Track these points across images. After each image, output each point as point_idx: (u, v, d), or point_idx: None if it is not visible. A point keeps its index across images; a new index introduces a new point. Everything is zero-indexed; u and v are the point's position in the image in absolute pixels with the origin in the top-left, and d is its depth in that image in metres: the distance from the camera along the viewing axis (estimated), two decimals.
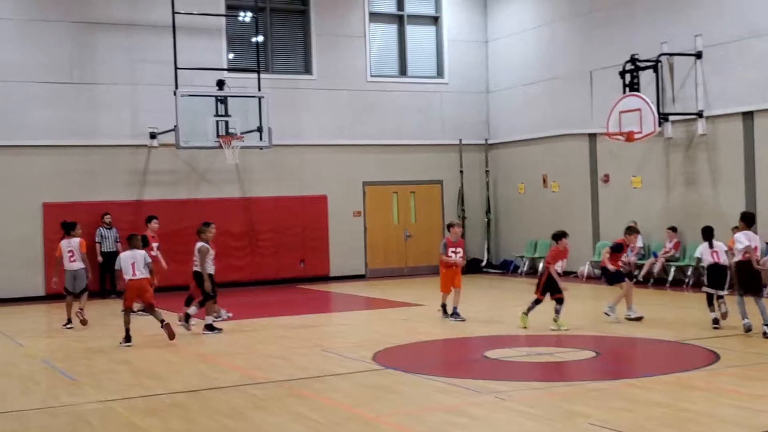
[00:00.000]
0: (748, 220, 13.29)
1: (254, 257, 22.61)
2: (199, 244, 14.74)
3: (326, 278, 23.30)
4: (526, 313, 14.20)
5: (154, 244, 16.97)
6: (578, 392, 9.52)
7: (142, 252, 13.87)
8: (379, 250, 24.26)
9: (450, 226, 15.66)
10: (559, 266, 14.26)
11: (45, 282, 20.63)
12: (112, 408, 9.40)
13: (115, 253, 20.38)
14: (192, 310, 14.83)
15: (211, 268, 14.82)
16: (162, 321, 13.68)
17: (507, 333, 13.88)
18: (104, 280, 20.87)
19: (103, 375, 11.36)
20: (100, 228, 20.73)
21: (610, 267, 15.05)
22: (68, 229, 16.21)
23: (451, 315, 15.29)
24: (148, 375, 11.23)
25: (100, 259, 20.53)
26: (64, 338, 14.94)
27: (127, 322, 13.77)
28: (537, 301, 14.22)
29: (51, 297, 20.48)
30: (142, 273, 13.63)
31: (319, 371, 11.08)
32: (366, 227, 24.04)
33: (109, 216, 20.84)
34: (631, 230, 15.46)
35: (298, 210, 22.96)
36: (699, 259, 14.18)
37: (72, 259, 15.88)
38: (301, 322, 15.99)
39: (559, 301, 14.00)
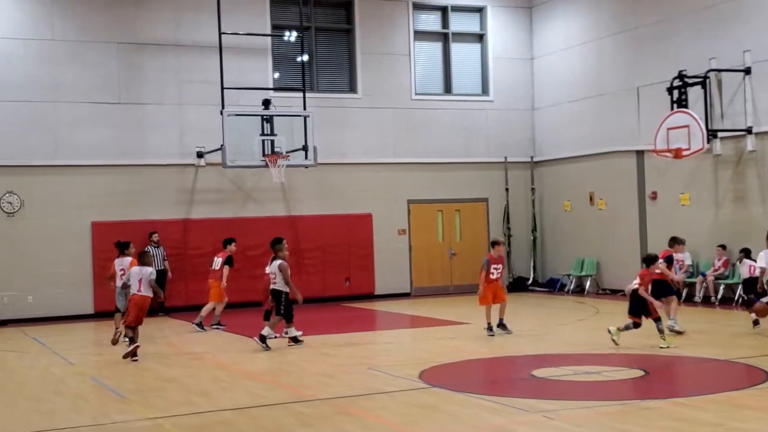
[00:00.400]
0: None
1: (300, 275, 22.62)
2: (278, 262, 14.86)
3: (371, 296, 23.31)
4: (621, 329, 13.93)
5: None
6: (627, 411, 9.40)
7: (150, 269, 14.15)
8: (424, 269, 24.22)
9: (494, 243, 15.83)
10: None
11: (94, 300, 20.92)
12: (161, 425, 9.46)
13: (164, 272, 20.68)
14: (266, 331, 14.89)
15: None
16: (131, 339, 13.96)
17: (554, 351, 13.76)
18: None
19: (151, 392, 11.45)
20: (148, 246, 20.94)
21: (671, 276, 15.07)
22: (122, 248, 16.60)
23: (498, 326, 15.47)
24: (196, 392, 11.30)
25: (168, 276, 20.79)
26: (112, 355, 15.09)
27: (128, 335, 14.16)
28: (636, 325, 13.87)
29: (100, 315, 20.76)
30: (146, 291, 13.98)
31: (366, 389, 11.07)
32: (411, 245, 24.03)
33: (156, 234, 21.07)
34: (676, 240, 15.47)
35: (343, 228, 23.04)
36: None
37: (123, 277, 16.07)
38: (347, 340, 16.00)
39: (657, 320, 13.68)
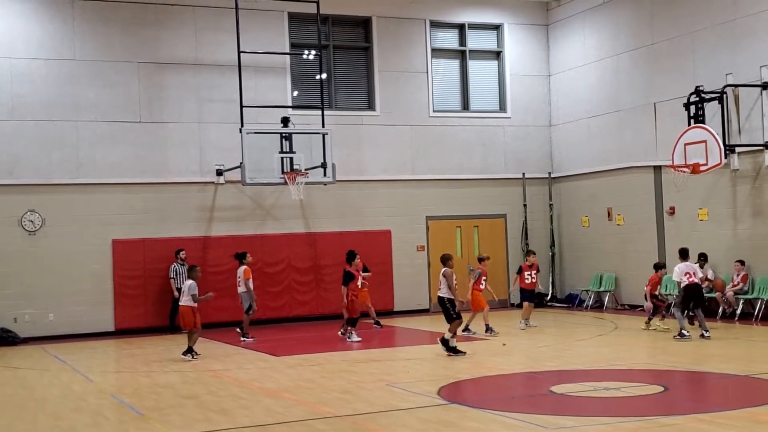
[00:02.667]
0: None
1: (319, 292, 22.77)
2: (444, 269, 15.59)
3: (390, 312, 23.32)
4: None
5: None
6: (647, 428, 9.38)
7: (190, 283, 16.12)
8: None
9: (481, 259, 19.34)
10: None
11: (114, 318, 21.07)
12: None
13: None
14: (448, 335, 15.45)
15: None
16: (189, 348, 15.96)
17: (573, 367, 13.75)
18: (175, 315, 21.08)
19: (171, 410, 11.51)
20: (175, 264, 21.08)
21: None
22: (241, 258, 18.91)
23: (487, 330, 18.30)
24: (216, 410, 11.35)
25: (176, 294, 20.83)
26: (132, 373, 15.20)
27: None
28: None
29: (120, 332, 20.90)
30: (186, 301, 16.05)
31: (385, 406, 11.09)
32: (430, 261, 24.04)
33: (183, 252, 21.17)
34: (682, 253, 17.30)
35: (362, 245, 23.03)
36: None
37: (239, 284, 18.72)
38: (366, 356, 16.03)
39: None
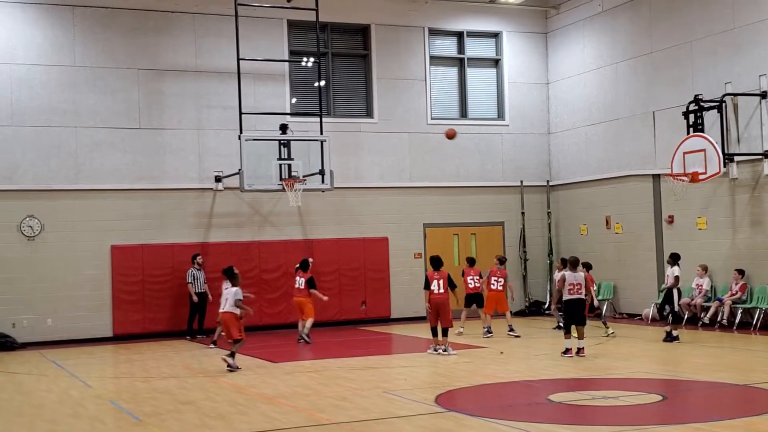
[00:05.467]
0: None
1: (316, 299, 22.70)
2: (581, 274, 16.22)
3: (388, 320, 23.32)
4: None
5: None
6: None
7: (235, 289, 15.59)
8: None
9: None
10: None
11: (113, 323, 21.05)
12: None
13: (205, 294, 20.80)
14: (583, 343, 15.85)
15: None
16: (230, 354, 15.43)
17: (571, 376, 13.75)
18: (193, 319, 21.12)
19: (168, 415, 11.51)
20: (192, 269, 21.06)
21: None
22: (304, 267, 19.45)
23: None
24: (213, 416, 11.35)
25: (195, 299, 20.86)
26: (130, 379, 15.19)
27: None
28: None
29: (119, 338, 20.89)
30: (230, 308, 15.58)
31: (382, 413, 11.09)
32: (427, 269, 24.00)
33: (200, 257, 21.16)
34: (673, 256, 17.67)
35: (359, 252, 23.11)
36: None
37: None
38: (363, 363, 16.02)
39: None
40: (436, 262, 16.95)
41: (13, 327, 20.24)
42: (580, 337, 15.92)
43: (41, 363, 17.60)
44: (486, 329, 19.36)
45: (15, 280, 20.44)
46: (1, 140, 20.61)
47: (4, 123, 20.64)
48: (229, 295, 15.61)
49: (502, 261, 19.99)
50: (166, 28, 22.00)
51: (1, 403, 12.76)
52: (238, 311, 15.54)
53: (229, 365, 15.33)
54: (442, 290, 16.63)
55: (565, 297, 15.99)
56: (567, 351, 15.75)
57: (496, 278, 19.47)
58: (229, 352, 15.56)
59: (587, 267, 18.54)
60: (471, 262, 20.31)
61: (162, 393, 13.33)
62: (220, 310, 15.87)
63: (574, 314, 16.00)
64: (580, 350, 15.72)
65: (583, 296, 16.01)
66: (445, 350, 16.53)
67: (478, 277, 19.73)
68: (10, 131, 20.68)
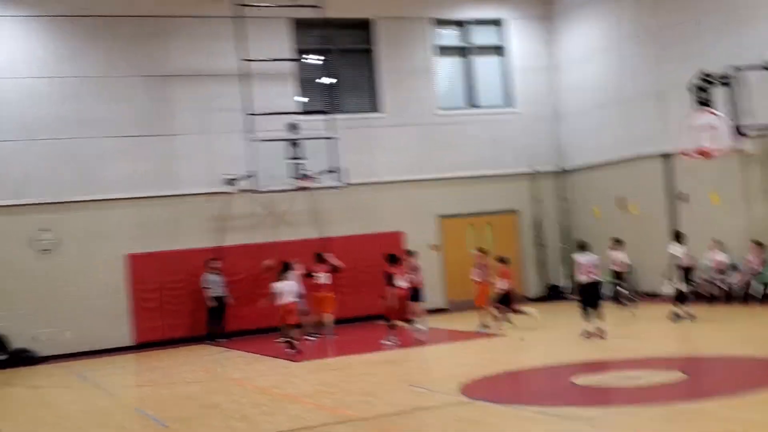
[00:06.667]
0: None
1: (335, 295, 22.68)
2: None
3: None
4: None
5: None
6: (670, 415, 9.36)
7: (290, 283, 17.36)
8: (458, 283, 24.14)
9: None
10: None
11: (132, 331, 21.10)
12: None
13: (223, 297, 20.88)
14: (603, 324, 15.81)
15: None
16: (289, 338, 16.96)
17: (593, 358, 13.71)
18: (213, 324, 21.17)
19: (194, 420, 11.53)
20: (207, 273, 21.11)
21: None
22: (394, 261, 18.72)
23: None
24: (238, 418, 11.36)
25: (210, 303, 20.94)
26: (154, 386, 15.24)
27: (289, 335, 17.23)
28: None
29: (139, 346, 20.94)
30: (292, 298, 17.25)
31: (408, 406, 11.08)
32: (444, 260, 24.00)
33: (216, 261, 21.21)
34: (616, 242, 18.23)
35: (375, 247, 22.98)
36: None
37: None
38: (386, 357, 16.03)
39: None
40: (393, 258, 18.13)
41: (32, 340, 20.28)
42: (599, 318, 15.85)
43: (64, 375, 17.66)
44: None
45: (32, 294, 20.49)
46: (11, 154, 20.67)
47: (13, 137, 20.69)
48: (287, 287, 17.27)
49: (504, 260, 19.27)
50: (169, 33, 22.01)
51: (26, 417, 12.80)
52: (299, 300, 17.40)
53: (292, 345, 16.94)
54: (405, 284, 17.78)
55: (580, 280, 16.07)
56: (586, 333, 15.70)
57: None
58: (287, 339, 17.13)
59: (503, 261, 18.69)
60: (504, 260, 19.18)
61: (186, 398, 13.37)
62: (281, 302, 17.17)
63: (588, 297, 15.98)
64: (600, 332, 15.65)
65: (597, 279, 15.99)
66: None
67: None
68: (20, 145, 20.73)
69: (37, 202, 20.74)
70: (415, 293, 18.73)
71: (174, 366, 17.59)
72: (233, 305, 21.28)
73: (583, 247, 16.40)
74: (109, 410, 13.04)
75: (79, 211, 21.06)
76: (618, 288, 20.36)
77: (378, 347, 17.45)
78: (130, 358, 19.98)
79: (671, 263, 18.00)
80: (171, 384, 15.07)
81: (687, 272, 17.98)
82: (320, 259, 19.93)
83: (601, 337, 15.51)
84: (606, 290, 18.50)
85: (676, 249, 17.93)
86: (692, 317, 17.25)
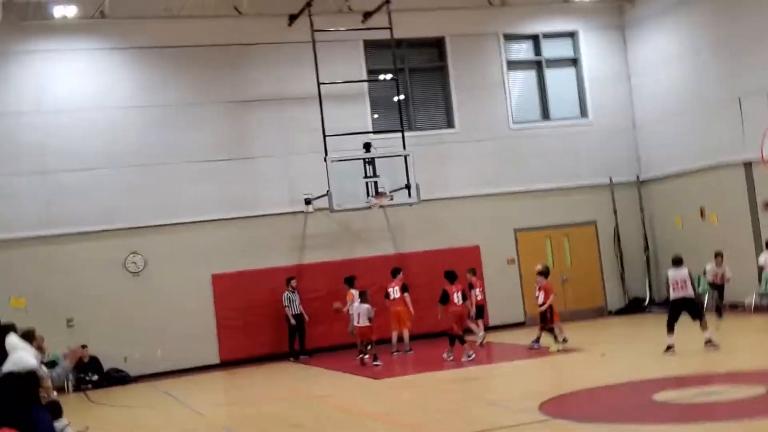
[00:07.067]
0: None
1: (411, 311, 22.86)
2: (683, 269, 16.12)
3: (486, 328, 23.31)
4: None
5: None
6: (752, 430, 9.32)
7: (366, 306, 18.30)
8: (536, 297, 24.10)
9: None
10: None
11: (218, 350, 21.61)
12: None
13: (301, 315, 21.32)
14: (708, 334, 15.67)
15: None
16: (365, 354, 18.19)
17: (675, 373, 13.64)
18: (293, 341, 21.64)
19: None
20: (287, 292, 21.58)
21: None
22: (394, 275, 20.20)
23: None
24: None
25: (293, 321, 21.41)
26: (240, 405, 15.65)
27: (362, 352, 18.61)
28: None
29: (225, 364, 21.45)
30: (364, 322, 18.23)
31: (488, 425, 11.19)
32: (521, 273, 24.02)
33: (294, 280, 21.68)
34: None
35: (451, 262, 23.06)
36: None
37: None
38: (465, 374, 16.14)
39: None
40: (451, 276, 18.60)
41: (125, 361, 20.95)
42: (704, 329, 15.67)
43: (155, 395, 18.19)
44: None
45: (123, 316, 21.17)
46: (100, 181, 21.41)
47: (101, 165, 21.45)
48: (362, 310, 18.34)
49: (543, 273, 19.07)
50: (247, 61, 22.56)
51: None
52: (370, 323, 18.29)
53: (375, 362, 18.03)
54: (461, 302, 18.29)
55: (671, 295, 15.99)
56: (668, 348, 15.59)
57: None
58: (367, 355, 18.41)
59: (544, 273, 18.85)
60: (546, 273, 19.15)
61: (271, 416, 13.71)
62: (356, 324, 18.49)
63: (677, 313, 15.79)
64: (712, 344, 15.54)
65: (688, 294, 15.80)
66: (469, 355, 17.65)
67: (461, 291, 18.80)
68: (108, 173, 21.48)
69: (125, 227, 21.45)
70: (478, 310, 19.92)
71: (258, 384, 18.01)
72: (311, 322, 21.64)
73: (677, 261, 16.16)
74: (198, 430, 13.46)
75: (165, 235, 21.71)
76: (717, 301, 19.88)
77: (458, 365, 17.56)
78: (216, 377, 20.49)
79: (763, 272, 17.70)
80: (256, 402, 15.45)
81: None
82: (395, 274, 20.25)
83: (715, 347, 15.32)
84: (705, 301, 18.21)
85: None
86: None
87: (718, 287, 19.87)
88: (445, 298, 18.29)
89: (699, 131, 23.06)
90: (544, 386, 13.64)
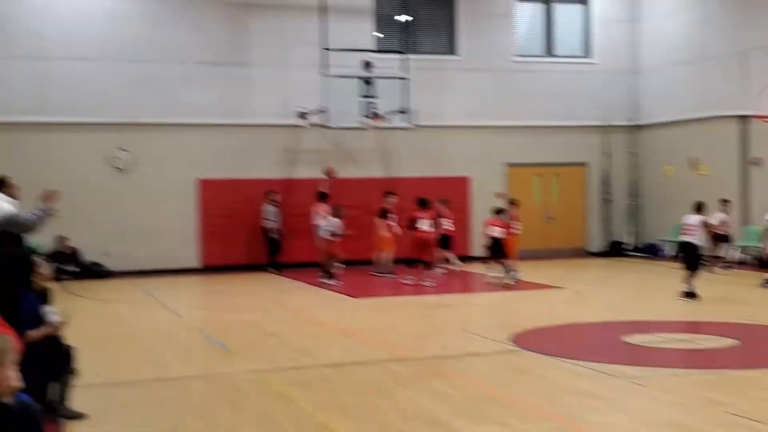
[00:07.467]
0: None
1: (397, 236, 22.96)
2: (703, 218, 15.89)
3: (469, 258, 23.48)
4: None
5: (391, 216, 19.99)
6: (718, 380, 9.50)
7: (337, 221, 18.42)
8: (521, 232, 24.22)
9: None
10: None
11: (200, 254, 21.70)
12: (264, 378, 9.97)
13: (276, 230, 21.38)
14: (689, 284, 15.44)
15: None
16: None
17: (647, 318, 13.82)
18: (271, 254, 21.71)
19: (254, 346, 12.00)
20: (266, 205, 21.58)
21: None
22: (423, 205, 19.23)
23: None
24: (297, 348, 11.78)
25: (274, 234, 21.48)
26: (217, 311, 15.79)
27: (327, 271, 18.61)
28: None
29: (206, 270, 21.56)
30: (328, 236, 18.48)
31: (460, 351, 11.38)
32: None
33: (276, 194, 21.64)
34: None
35: (440, 191, 23.09)
36: None
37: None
38: (444, 301, 16.32)
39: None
40: (422, 203, 18.78)
41: (103, 255, 20.99)
42: (690, 280, 15.47)
43: (132, 292, 18.30)
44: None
45: (106, 211, 21.18)
46: (91, 74, 21.21)
47: (92, 57, 21.22)
48: (331, 225, 18.58)
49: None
50: None
51: (98, 330, 13.35)
52: (333, 239, 18.64)
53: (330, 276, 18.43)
54: (428, 228, 18.42)
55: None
56: (682, 293, 15.45)
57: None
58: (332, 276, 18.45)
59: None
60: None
61: (248, 325, 13.84)
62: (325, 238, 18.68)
63: (686, 257, 15.77)
64: (685, 293, 15.44)
65: (691, 240, 15.59)
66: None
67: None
68: (99, 65, 21.27)
69: (114, 121, 21.32)
70: (444, 240, 19.65)
71: (237, 293, 18.13)
72: (295, 237, 21.66)
73: (697, 207, 16.09)
74: (175, 330, 13.60)
75: (154, 134, 21.62)
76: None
77: (438, 290, 17.74)
78: (195, 280, 20.63)
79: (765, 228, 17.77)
80: (234, 309, 15.59)
81: None
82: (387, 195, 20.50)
83: (688, 299, 15.30)
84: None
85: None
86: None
87: (723, 238, 19.77)
88: (413, 224, 18.49)
89: (700, 82, 22.97)
90: (518, 319, 13.80)
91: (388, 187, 21.71)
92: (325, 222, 19.06)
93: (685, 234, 15.79)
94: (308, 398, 9.02)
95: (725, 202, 20.04)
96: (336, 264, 18.95)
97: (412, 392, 9.16)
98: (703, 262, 15.95)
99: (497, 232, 18.05)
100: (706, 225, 15.83)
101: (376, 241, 20.32)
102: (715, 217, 19.33)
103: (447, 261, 20.33)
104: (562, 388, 9.27)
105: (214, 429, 8.03)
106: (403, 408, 8.54)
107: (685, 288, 15.45)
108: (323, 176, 20.94)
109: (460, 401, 8.80)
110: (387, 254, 20.15)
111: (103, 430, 7.99)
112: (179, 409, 8.75)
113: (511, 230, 18.34)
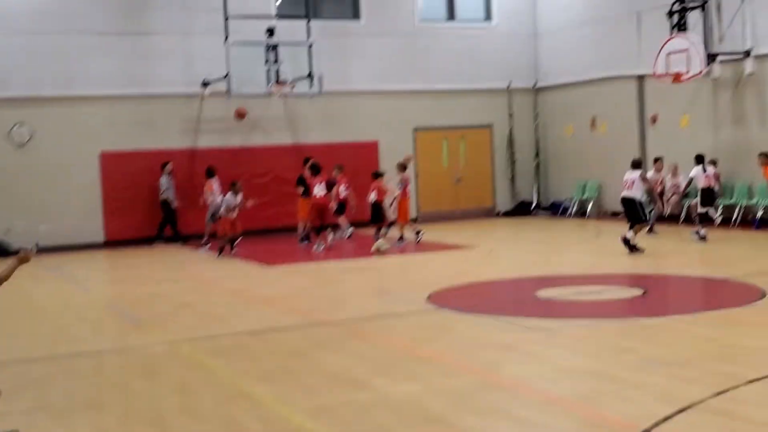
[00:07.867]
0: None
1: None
2: (638, 172, 16.20)
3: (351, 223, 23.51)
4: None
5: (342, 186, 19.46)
6: (626, 329, 9.82)
7: (230, 197, 17.82)
8: (430, 194, 24.53)
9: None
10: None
11: (104, 229, 21.28)
12: (179, 349, 9.88)
13: (169, 200, 21.04)
14: (629, 234, 15.75)
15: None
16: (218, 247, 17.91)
17: (557, 273, 14.16)
18: (164, 225, 21.39)
19: (167, 318, 11.87)
20: (163, 177, 21.19)
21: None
22: (315, 171, 18.80)
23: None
24: (211, 317, 11.71)
25: (174, 205, 21.17)
26: (127, 284, 15.55)
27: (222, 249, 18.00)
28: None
29: (110, 244, 21.16)
30: (226, 213, 17.88)
31: (377, 312, 11.48)
32: (417, 173, 24.25)
33: (170, 165, 21.26)
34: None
35: (349, 156, 23.14)
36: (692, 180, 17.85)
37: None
38: (357, 264, 16.39)
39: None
40: (314, 168, 18.65)
41: (6, 233, 20.39)
42: (631, 230, 15.85)
43: (38, 269, 17.79)
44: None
45: (6, 187, 20.54)
46: None
47: None
48: (226, 202, 17.92)
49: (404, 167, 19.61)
50: None
51: (6, 308, 13.02)
52: (227, 215, 17.91)
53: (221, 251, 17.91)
54: (321, 193, 18.27)
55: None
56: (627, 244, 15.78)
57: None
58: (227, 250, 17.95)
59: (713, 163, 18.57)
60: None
61: (158, 297, 13.68)
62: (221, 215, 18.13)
63: (625, 211, 16.25)
64: (624, 240, 15.79)
65: (630, 195, 16.03)
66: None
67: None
68: None
69: (13, 96, 20.62)
70: (340, 206, 19.37)
71: (145, 265, 17.86)
72: (198, 208, 21.31)
73: (634, 164, 16.43)
74: (85, 305, 13.35)
75: (55, 107, 21.01)
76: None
77: (351, 253, 17.82)
78: (102, 255, 20.23)
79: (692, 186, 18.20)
80: (143, 282, 15.37)
81: (705, 193, 17.70)
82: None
83: (630, 251, 15.56)
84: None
85: (697, 171, 17.78)
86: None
87: (657, 195, 19.99)
88: (306, 190, 18.56)
89: (597, 43, 23.45)
90: (432, 279, 13.94)
91: (297, 154, 21.60)
92: (216, 199, 18.86)
93: (625, 189, 16.18)
94: (227, 366, 8.99)
95: (656, 160, 20.10)
96: (316, 235, 18.55)
97: (332, 355, 9.21)
98: (644, 216, 16.27)
99: (372, 196, 18.40)
100: (644, 180, 16.24)
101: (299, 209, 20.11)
102: (650, 177, 19.62)
103: (339, 227, 20.14)
104: (480, 343, 9.45)
105: (132, 400, 7.94)
106: (324, 370, 8.59)
107: (628, 237, 15.72)
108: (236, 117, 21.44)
109: (381, 361, 8.90)
110: (302, 222, 20.04)
111: (20, 406, 7.82)
112: (95, 382, 8.63)
113: (387, 194, 18.66)
